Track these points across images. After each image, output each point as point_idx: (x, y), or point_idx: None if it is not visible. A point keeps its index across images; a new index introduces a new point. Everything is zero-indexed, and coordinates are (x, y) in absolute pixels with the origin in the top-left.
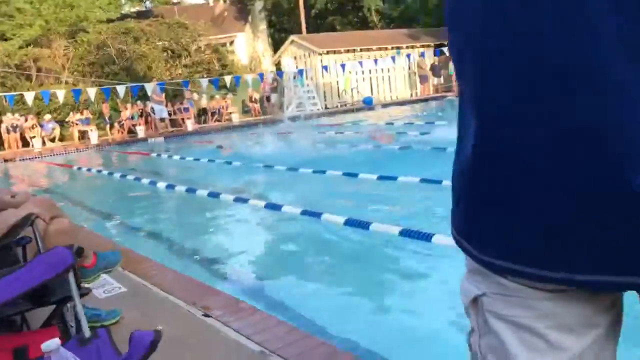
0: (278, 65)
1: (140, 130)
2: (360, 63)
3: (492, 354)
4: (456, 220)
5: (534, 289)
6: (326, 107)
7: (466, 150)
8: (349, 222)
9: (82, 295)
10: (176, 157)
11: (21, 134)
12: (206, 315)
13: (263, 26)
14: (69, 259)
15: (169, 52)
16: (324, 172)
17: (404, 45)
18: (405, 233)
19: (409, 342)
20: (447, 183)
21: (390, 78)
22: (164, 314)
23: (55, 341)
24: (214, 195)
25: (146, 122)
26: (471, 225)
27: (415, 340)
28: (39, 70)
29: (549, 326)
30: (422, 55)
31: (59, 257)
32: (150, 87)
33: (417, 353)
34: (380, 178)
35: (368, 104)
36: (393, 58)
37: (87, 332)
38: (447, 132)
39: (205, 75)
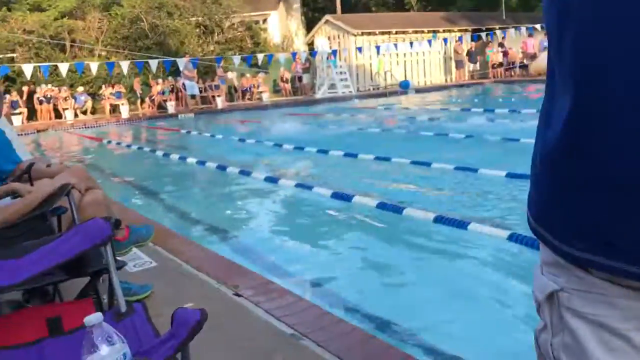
0: (311, 45)
1: (171, 106)
2: (395, 46)
3: (566, 354)
4: (535, 207)
5: (622, 286)
6: (358, 90)
7: (554, 131)
8: (381, 206)
9: (118, 269)
10: (206, 134)
11: (54, 105)
12: (237, 295)
13: (297, 5)
14: (106, 230)
15: (202, 27)
16: (355, 155)
17: (441, 29)
18: (440, 219)
19: (442, 328)
20: (484, 171)
21: (425, 62)
22: (194, 291)
23: (98, 315)
24: (244, 173)
25: (177, 98)
26: (554, 213)
27: (447, 324)
28: (73, 42)
29: (636, 327)
30: (459, 39)
31: (96, 228)
32: (182, 63)
33: (451, 339)
34: (414, 163)
35: (404, 88)
36: (429, 42)
37: (123, 307)
38: (482, 120)
39: (237, 53)
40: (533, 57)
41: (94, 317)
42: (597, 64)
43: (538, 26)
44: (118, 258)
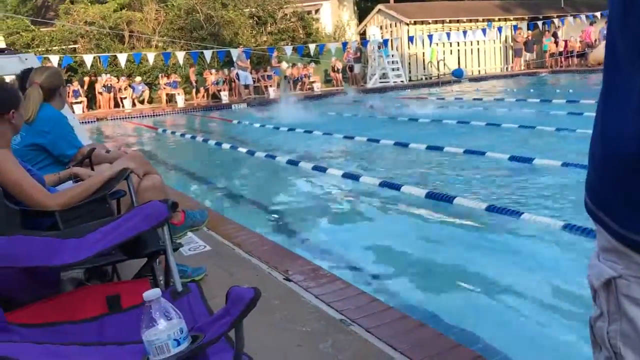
0: (363, 34)
1: (224, 96)
2: (448, 35)
3: (624, 342)
4: (593, 190)
5: None
6: (410, 79)
7: (618, 112)
8: (431, 195)
9: (175, 249)
10: (257, 125)
11: (113, 95)
12: (287, 279)
13: None
14: (164, 212)
15: (255, 18)
16: (406, 145)
17: (496, 18)
18: (492, 209)
19: (493, 319)
20: (539, 162)
21: (479, 51)
22: (247, 275)
23: (156, 291)
24: (292, 162)
25: (230, 89)
26: (615, 196)
27: (497, 315)
28: (131, 33)
29: None
30: (514, 28)
31: (155, 209)
32: (235, 53)
33: (502, 330)
34: (467, 152)
35: (458, 77)
36: (484, 31)
37: (179, 286)
38: (537, 110)
39: (289, 43)
40: (593, 45)
41: (153, 293)
42: None
43: (598, 14)
44: (174, 240)
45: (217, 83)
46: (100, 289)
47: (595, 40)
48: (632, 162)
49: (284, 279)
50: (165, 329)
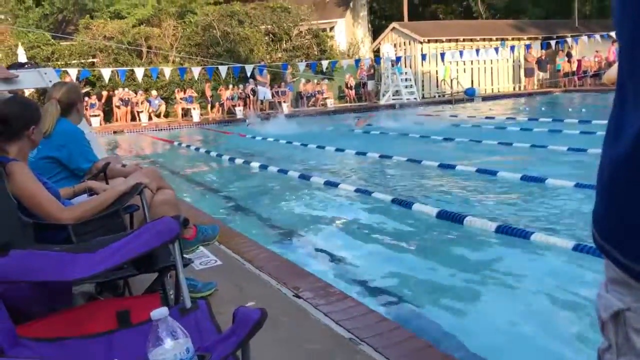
0: (377, 52)
1: (239, 111)
2: (461, 53)
3: None
4: (601, 223)
5: None
6: (423, 97)
7: (625, 145)
8: (442, 214)
9: (184, 266)
10: (270, 139)
11: (130, 108)
12: (297, 296)
13: (364, 12)
14: (175, 228)
15: (271, 35)
16: (419, 161)
17: (509, 37)
18: (503, 229)
19: (504, 341)
20: (551, 182)
21: (492, 70)
22: (256, 290)
23: (164, 310)
24: (304, 177)
25: (245, 104)
26: (623, 229)
27: (508, 337)
28: (149, 48)
29: None
30: (527, 48)
31: (166, 226)
32: (250, 69)
33: (514, 352)
34: (479, 171)
35: (470, 95)
36: (497, 49)
37: (188, 303)
38: (550, 129)
39: (303, 60)
40: (608, 65)
41: (160, 312)
42: None
43: (613, 34)
44: (185, 256)
45: (232, 98)
46: (111, 303)
47: (611, 60)
48: (636, 196)
49: (293, 295)
50: (172, 348)
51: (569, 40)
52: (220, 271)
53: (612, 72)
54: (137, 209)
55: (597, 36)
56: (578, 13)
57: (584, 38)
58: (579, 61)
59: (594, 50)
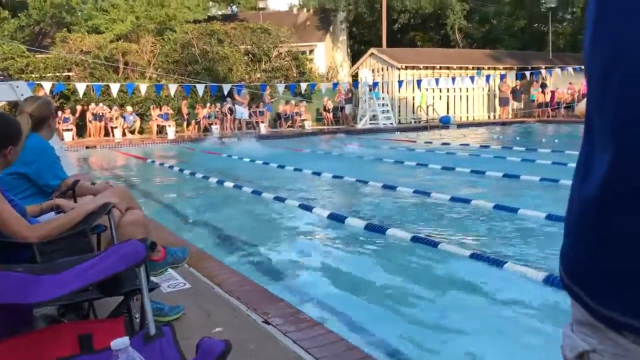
0: (355, 76)
1: (216, 130)
2: (437, 80)
3: None
4: (568, 262)
5: None
6: (400, 122)
7: (592, 185)
8: (416, 239)
9: (150, 290)
10: (246, 159)
11: (104, 124)
12: (266, 322)
13: (343, 37)
14: (142, 252)
15: (250, 55)
16: (394, 187)
17: (486, 66)
18: (476, 257)
19: None
20: (524, 212)
21: (468, 98)
22: (225, 316)
23: (124, 340)
24: (279, 199)
25: (222, 123)
26: (590, 271)
27: None
28: (126, 64)
29: None
30: (502, 77)
31: (133, 249)
32: (227, 88)
33: None
34: (453, 199)
35: (445, 123)
36: (472, 78)
37: (152, 329)
38: (523, 158)
39: (282, 81)
40: (581, 97)
41: (121, 342)
42: None
43: None
44: (153, 278)
45: (209, 117)
46: (73, 327)
47: (583, 93)
48: (602, 237)
49: (262, 321)
50: None
51: (543, 71)
52: (189, 295)
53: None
54: (104, 229)
55: (570, 69)
56: (552, 46)
57: (558, 70)
58: (553, 92)
59: (567, 83)
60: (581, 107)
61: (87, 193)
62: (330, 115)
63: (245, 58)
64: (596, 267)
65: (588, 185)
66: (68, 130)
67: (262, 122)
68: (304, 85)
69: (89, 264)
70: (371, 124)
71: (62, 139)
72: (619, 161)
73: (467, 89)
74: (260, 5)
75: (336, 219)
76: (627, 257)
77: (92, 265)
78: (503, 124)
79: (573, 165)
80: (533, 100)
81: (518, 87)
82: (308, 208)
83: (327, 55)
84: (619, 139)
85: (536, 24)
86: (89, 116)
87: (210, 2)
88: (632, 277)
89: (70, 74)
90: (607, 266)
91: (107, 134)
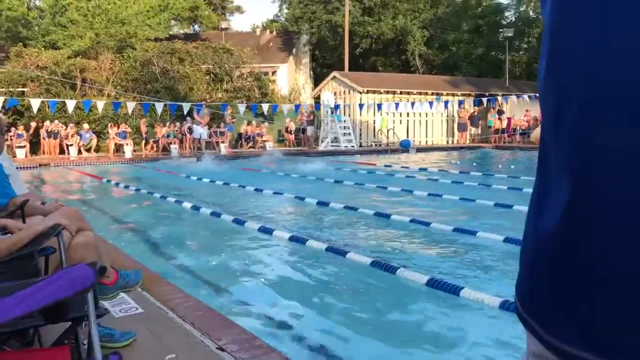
0: (317, 99)
1: (174, 149)
2: (397, 105)
3: None
4: (523, 294)
5: None
6: (361, 145)
7: (547, 219)
8: (376, 264)
9: (99, 316)
10: (206, 180)
11: (59, 141)
12: (220, 349)
13: (306, 60)
14: (90, 278)
15: (212, 75)
16: (355, 209)
17: (444, 92)
18: (433, 283)
19: None
20: (482, 235)
21: (427, 123)
22: (178, 341)
23: None
24: (239, 222)
25: (181, 142)
26: (544, 304)
27: None
28: (84, 80)
29: None
30: (460, 103)
31: (81, 274)
32: (187, 107)
33: None
34: (413, 222)
35: (405, 147)
36: (431, 103)
37: (99, 358)
38: (479, 183)
39: (244, 102)
40: (537, 124)
41: None
42: (599, 157)
43: None
44: (104, 303)
45: (168, 136)
46: (15, 356)
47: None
48: (556, 271)
49: (216, 348)
50: None
51: (500, 98)
52: (141, 320)
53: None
54: (53, 251)
55: (526, 96)
56: (509, 73)
57: (514, 97)
58: (509, 119)
59: (523, 110)
60: (536, 133)
61: (37, 213)
62: (292, 136)
63: (207, 78)
64: (550, 300)
65: (543, 220)
66: (21, 147)
67: (222, 142)
68: (265, 106)
69: (33, 289)
70: (333, 146)
71: (15, 156)
72: (575, 201)
73: (426, 113)
74: (223, 25)
75: (297, 241)
76: (581, 292)
77: (36, 290)
78: (461, 148)
79: (527, 191)
80: (490, 126)
81: (476, 113)
82: (268, 230)
83: (290, 77)
84: (574, 179)
85: (494, 52)
86: (43, 133)
87: (172, 21)
88: (585, 311)
89: (25, 89)
90: (561, 300)
91: (62, 151)
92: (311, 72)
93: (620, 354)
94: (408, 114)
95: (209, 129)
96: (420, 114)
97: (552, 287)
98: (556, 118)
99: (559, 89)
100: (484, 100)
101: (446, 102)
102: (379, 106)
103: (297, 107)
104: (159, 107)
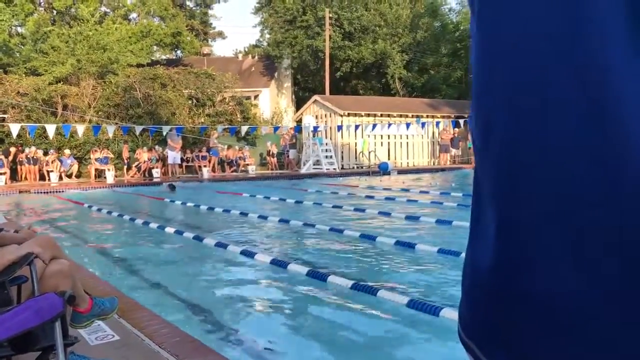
0: (299, 122)
1: (157, 174)
2: (376, 126)
3: None
4: (463, 317)
5: None
6: (343, 167)
7: (481, 244)
8: (356, 287)
9: (69, 345)
10: (189, 204)
11: (39, 168)
12: None
13: (288, 84)
14: (58, 307)
15: (194, 100)
16: (341, 231)
17: (424, 114)
18: (414, 305)
19: None
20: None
21: (408, 145)
22: None
23: None
24: (221, 245)
25: (163, 166)
26: (485, 328)
27: None
28: (65, 107)
29: None
30: (437, 125)
31: (48, 303)
32: (167, 130)
33: None
34: (398, 244)
35: (383, 170)
36: (408, 125)
37: None
38: (460, 204)
39: (227, 125)
40: None
41: None
42: (517, 195)
43: None
44: (80, 331)
45: (151, 161)
46: None
47: None
48: (490, 295)
49: None
50: None
51: None
52: (117, 347)
53: None
54: (25, 280)
55: None
56: None
57: None
58: None
59: None
60: None
61: (10, 242)
62: (275, 160)
63: (189, 102)
64: (486, 326)
65: (477, 248)
66: (1, 174)
67: (204, 166)
68: (244, 129)
69: (0, 318)
70: (315, 169)
71: None
72: (501, 231)
73: (407, 135)
74: (205, 50)
75: (278, 264)
76: (510, 318)
77: (3, 320)
78: (442, 170)
79: None
80: (470, 148)
81: (456, 135)
82: (249, 254)
83: (272, 101)
84: (499, 210)
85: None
86: (22, 158)
87: (155, 47)
88: (514, 335)
89: (4, 116)
90: (496, 326)
91: (42, 177)
92: (293, 96)
93: None
94: (389, 136)
95: (191, 153)
96: (402, 136)
97: (488, 313)
98: (483, 143)
99: (484, 126)
100: (461, 122)
101: (423, 124)
102: (357, 127)
103: (276, 128)
104: (139, 130)
